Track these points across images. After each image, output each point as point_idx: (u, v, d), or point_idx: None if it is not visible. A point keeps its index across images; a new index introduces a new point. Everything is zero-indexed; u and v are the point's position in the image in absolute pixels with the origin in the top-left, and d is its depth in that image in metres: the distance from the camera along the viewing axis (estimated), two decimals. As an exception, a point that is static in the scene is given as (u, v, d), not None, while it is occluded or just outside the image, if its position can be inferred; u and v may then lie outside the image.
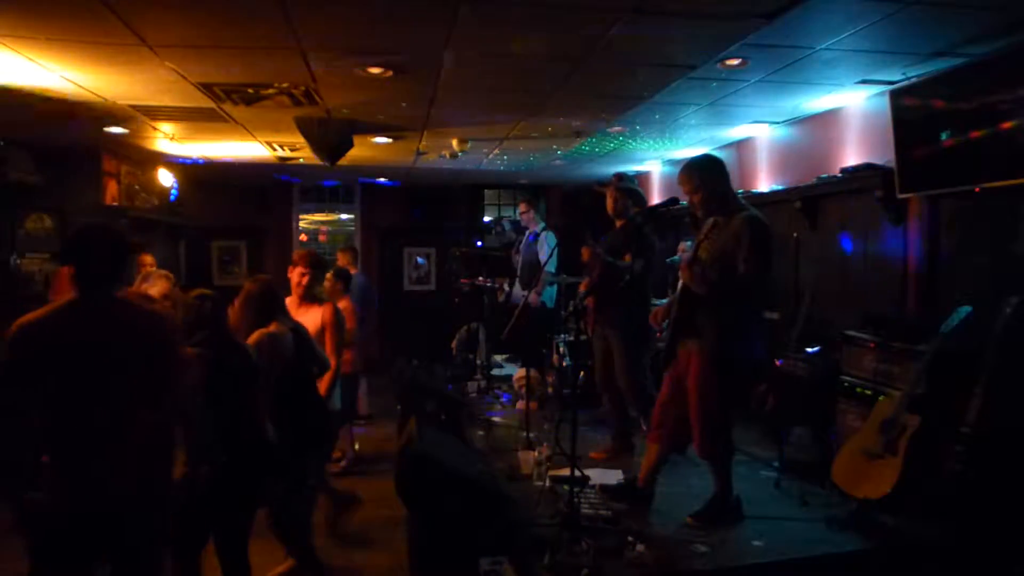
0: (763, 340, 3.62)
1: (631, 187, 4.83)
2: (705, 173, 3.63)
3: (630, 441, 4.78)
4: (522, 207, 7.24)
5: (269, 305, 3.64)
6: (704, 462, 3.78)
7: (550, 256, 6.41)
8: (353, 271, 6.68)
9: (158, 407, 2.55)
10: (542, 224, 7.06)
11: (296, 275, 4.43)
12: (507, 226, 8.27)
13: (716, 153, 6.85)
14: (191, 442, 2.76)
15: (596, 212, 9.38)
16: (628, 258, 4.42)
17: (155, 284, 4.28)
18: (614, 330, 4.62)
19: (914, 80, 4.10)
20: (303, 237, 10.69)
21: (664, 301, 5.92)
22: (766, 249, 3.47)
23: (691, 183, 3.62)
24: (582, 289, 4.79)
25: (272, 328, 3.55)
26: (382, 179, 9.78)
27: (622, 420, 4.81)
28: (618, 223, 4.76)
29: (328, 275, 5.32)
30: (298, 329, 3.75)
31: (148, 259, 7.06)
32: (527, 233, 7.10)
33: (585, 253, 4.51)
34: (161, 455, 2.57)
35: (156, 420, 2.54)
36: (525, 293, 6.57)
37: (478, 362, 7.14)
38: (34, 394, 2.42)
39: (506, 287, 6.99)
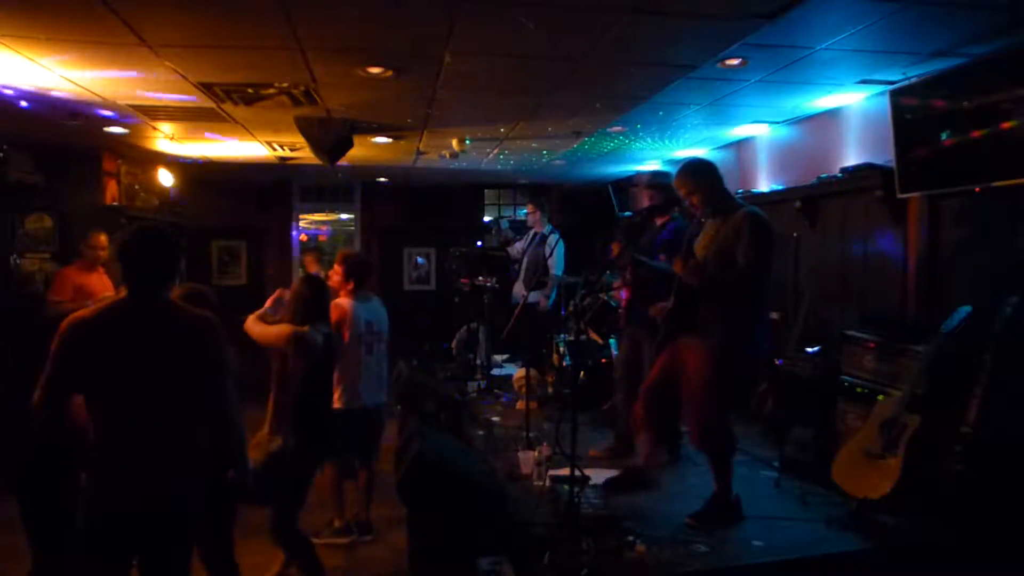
0: (767, 339, 3.63)
1: (666, 183, 4.76)
2: (700, 175, 3.68)
3: (632, 443, 4.76)
4: (529, 207, 7.22)
5: (309, 308, 3.78)
6: (703, 462, 3.79)
7: (550, 255, 6.40)
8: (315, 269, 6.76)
9: (201, 409, 2.59)
10: (549, 226, 7.05)
11: (332, 272, 4.69)
12: (504, 224, 8.25)
13: (716, 153, 6.88)
14: (229, 446, 2.77)
15: (596, 212, 9.44)
16: (663, 258, 4.39)
17: None
18: (647, 331, 4.58)
19: (914, 80, 4.10)
20: (303, 237, 10.69)
21: None
22: (766, 244, 3.47)
23: (688, 186, 3.67)
24: (616, 286, 4.77)
25: (304, 329, 3.67)
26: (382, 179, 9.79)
27: (629, 420, 4.76)
28: (658, 221, 4.71)
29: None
30: (332, 337, 3.91)
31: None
32: (532, 233, 7.09)
33: (615, 248, 4.46)
34: (200, 456, 2.60)
35: (198, 422, 2.58)
36: (525, 293, 6.57)
37: (478, 362, 7.13)
38: (75, 390, 2.48)
39: (491, 283, 6.93)
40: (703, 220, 3.74)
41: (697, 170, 3.71)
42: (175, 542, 2.58)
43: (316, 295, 3.86)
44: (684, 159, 7.25)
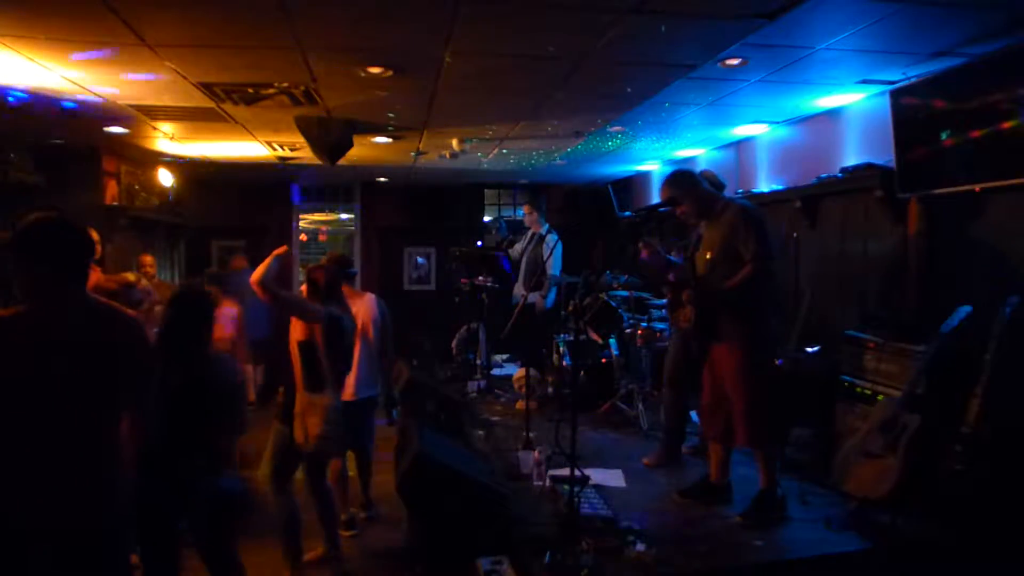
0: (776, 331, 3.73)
1: (714, 180, 4.77)
2: (684, 183, 3.86)
3: (679, 450, 4.67)
4: (526, 208, 7.23)
5: (323, 293, 4.02)
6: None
7: (549, 256, 6.41)
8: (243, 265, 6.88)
9: (115, 415, 2.30)
10: (546, 226, 7.05)
11: None
12: (502, 225, 8.24)
13: (716, 153, 6.88)
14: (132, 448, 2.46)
15: (596, 212, 9.44)
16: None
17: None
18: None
19: (914, 80, 4.10)
20: (303, 237, 10.68)
21: None
22: (763, 231, 3.60)
23: (675, 196, 3.82)
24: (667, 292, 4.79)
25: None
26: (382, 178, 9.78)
27: (678, 423, 4.66)
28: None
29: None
30: (343, 319, 4.14)
31: (148, 259, 7.08)
32: (530, 234, 7.09)
33: (644, 251, 4.47)
34: (116, 467, 2.31)
35: (112, 429, 2.29)
36: (524, 293, 6.57)
37: (478, 362, 7.13)
38: None
39: (489, 283, 6.93)
40: (695, 226, 3.87)
41: (680, 179, 3.89)
42: (107, 563, 2.29)
43: (330, 281, 4.07)
44: (685, 159, 7.32)
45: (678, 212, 3.85)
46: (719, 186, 4.82)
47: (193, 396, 2.96)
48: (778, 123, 5.72)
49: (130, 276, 4.69)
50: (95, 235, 5.94)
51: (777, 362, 4.73)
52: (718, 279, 3.62)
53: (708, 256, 3.70)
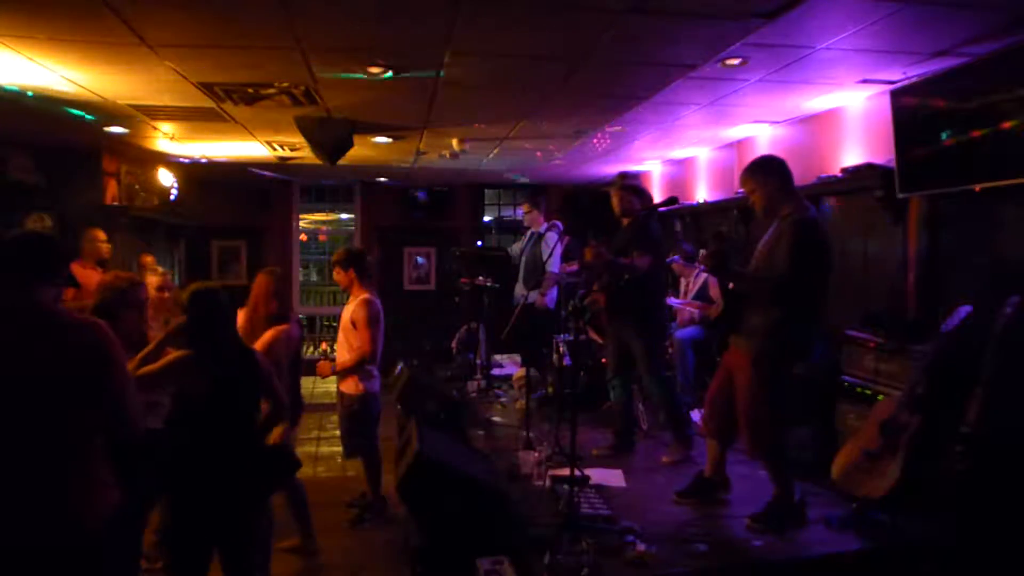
0: (812, 346, 3.64)
1: (636, 185, 4.82)
2: (761, 175, 3.71)
3: (632, 440, 4.79)
4: (525, 207, 7.21)
5: (283, 300, 4.15)
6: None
7: (550, 255, 6.40)
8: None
9: (84, 429, 2.21)
10: (545, 225, 7.05)
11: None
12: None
13: (716, 153, 6.88)
14: (126, 468, 2.41)
15: (596, 212, 9.43)
16: (636, 255, 4.43)
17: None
18: (631, 330, 4.61)
19: (914, 80, 4.10)
20: (303, 237, 10.69)
21: (676, 300, 5.93)
22: (806, 250, 3.40)
23: (750, 184, 3.72)
24: (594, 289, 4.81)
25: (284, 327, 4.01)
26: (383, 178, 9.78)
27: (626, 418, 4.80)
28: (624, 222, 4.75)
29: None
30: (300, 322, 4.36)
31: (148, 259, 7.07)
32: (529, 233, 7.09)
33: (588, 253, 4.51)
34: (89, 486, 2.20)
35: (81, 444, 2.19)
36: (525, 293, 6.56)
37: (478, 362, 7.13)
38: None
39: (490, 283, 6.91)
40: (763, 220, 3.81)
41: (759, 169, 3.74)
42: None
43: (284, 288, 4.20)
44: (685, 159, 7.31)
45: (751, 201, 3.75)
46: (645, 196, 4.83)
47: (236, 390, 2.99)
48: (778, 123, 5.72)
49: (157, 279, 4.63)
50: (102, 235, 5.97)
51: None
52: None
53: (754, 262, 3.62)
